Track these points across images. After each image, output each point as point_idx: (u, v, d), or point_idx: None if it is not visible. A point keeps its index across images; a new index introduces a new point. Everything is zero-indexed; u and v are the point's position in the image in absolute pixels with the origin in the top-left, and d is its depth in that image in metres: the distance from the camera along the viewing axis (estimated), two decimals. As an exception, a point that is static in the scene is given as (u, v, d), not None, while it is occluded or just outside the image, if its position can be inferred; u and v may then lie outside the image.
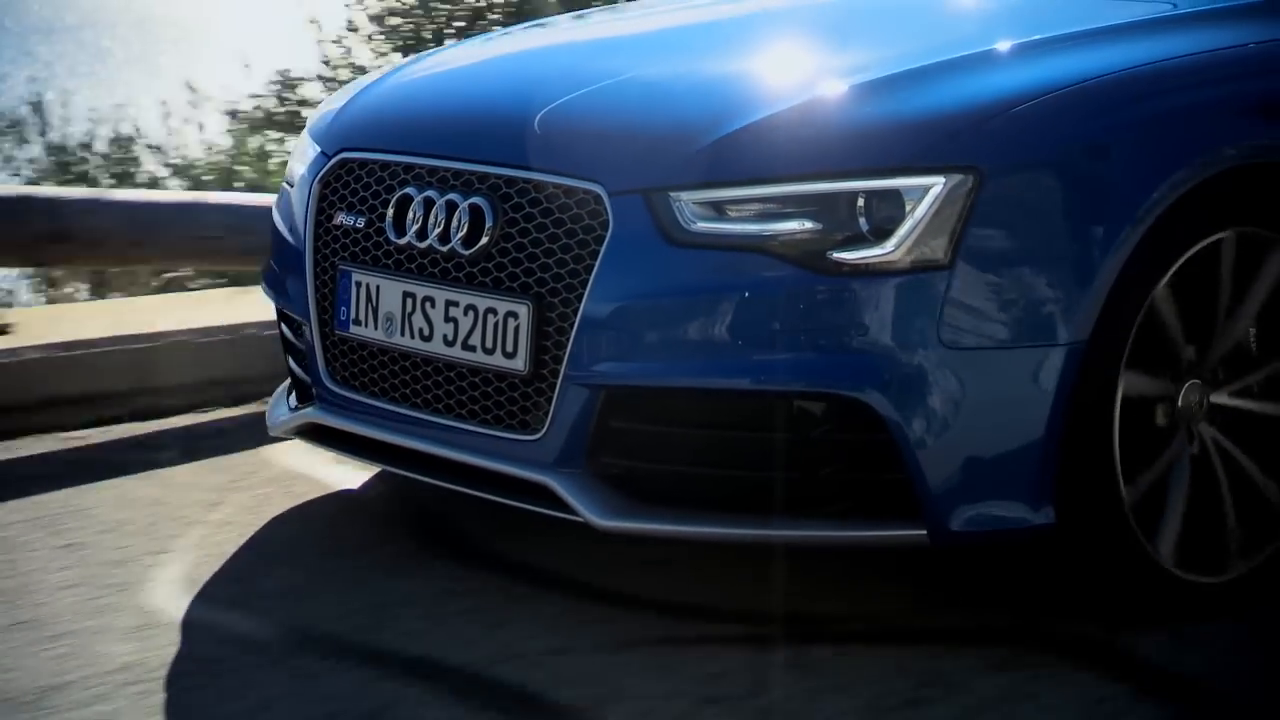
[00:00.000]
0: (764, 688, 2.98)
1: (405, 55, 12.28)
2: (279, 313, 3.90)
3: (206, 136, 12.82)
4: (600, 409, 3.13)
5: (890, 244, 2.99)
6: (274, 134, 12.79)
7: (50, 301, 8.27)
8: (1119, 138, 3.13)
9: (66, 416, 4.63)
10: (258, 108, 13.25)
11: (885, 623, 3.26)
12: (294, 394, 3.85)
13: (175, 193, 8.99)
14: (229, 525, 3.82)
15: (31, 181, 10.86)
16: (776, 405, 3.06)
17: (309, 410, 3.64)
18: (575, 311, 3.11)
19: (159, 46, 24.80)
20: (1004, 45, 3.33)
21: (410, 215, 3.37)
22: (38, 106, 12.60)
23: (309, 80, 13.58)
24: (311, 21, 13.95)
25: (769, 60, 3.60)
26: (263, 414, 3.96)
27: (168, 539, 3.73)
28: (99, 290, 8.38)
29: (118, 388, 4.82)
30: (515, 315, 3.19)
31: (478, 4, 14.02)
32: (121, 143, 12.17)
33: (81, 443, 4.51)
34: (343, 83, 11.09)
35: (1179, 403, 3.26)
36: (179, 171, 11.72)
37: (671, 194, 3.08)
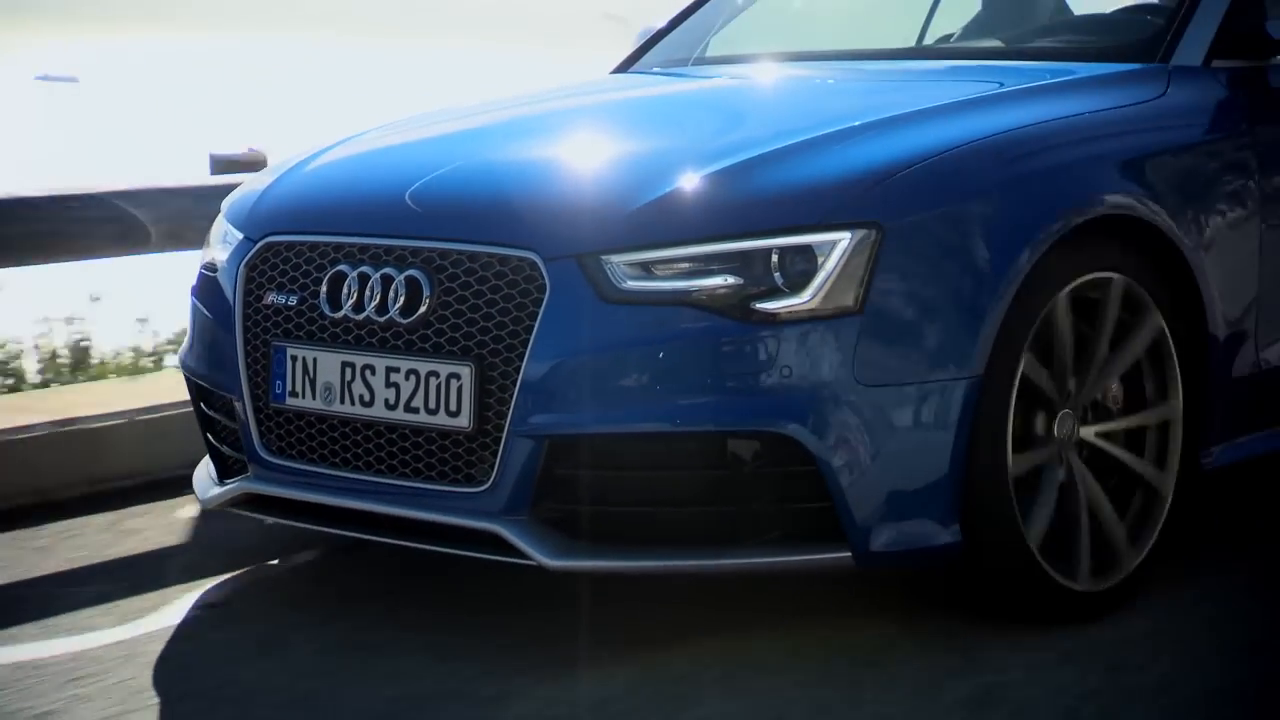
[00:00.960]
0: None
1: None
2: (198, 391, 4.07)
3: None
4: (545, 458, 3.38)
5: (807, 294, 3.31)
6: None
7: None
8: (999, 192, 3.51)
9: None
10: None
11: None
12: (215, 469, 4.03)
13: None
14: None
15: None
16: (710, 445, 3.35)
17: (243, 482, 3.82)
18: (517, 370, 3.37)
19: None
20: (883, 117, 3.71)
21: (345, 290, 3.59)
22: None
23: None
24: None
25: (676, 136, 3.95)
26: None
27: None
28: None
29: None
30: (458, 376, 3.43)
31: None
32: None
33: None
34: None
35: (1055, 432, 3.61)
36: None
37: (603, 257, 3.37)
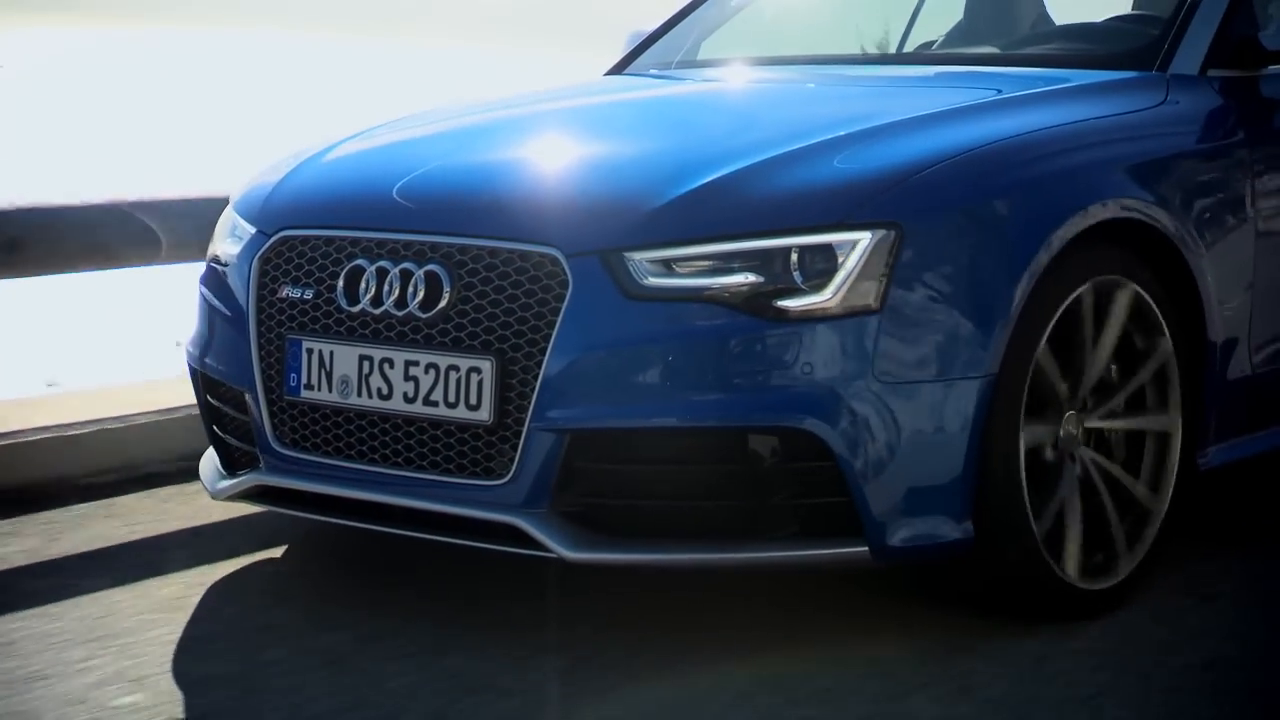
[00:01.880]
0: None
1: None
2: (204, 383, 4.08)
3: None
4: (565, 452, 3.41)
5: (828, 292, 3.36)
6: None
7: None
8: (1015, 194, 3.57)
9: None
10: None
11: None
12: (220, 460, 4.04)
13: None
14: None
15: None
16: (730, 440, 3.39)
17: (255, 473, 3.83)
18: (539, 364, 3.40)
19: None
20: (897, 119, 3.77)
21: (363, 285, 3.61)
22: None
23: None
24: None
25: (692, 136, 4.00)
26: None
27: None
28: None
29: None
30: (478, 370, 3.46)
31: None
32: None
33: None
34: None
35: (1061, 430, 3.68)
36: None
37: (626, 254, 3.41)
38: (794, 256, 3.39)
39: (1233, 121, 4.19)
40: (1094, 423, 3.75)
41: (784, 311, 3.36)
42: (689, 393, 3.37)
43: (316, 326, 3.68)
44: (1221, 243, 3.99)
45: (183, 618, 3.72)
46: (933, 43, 5.51)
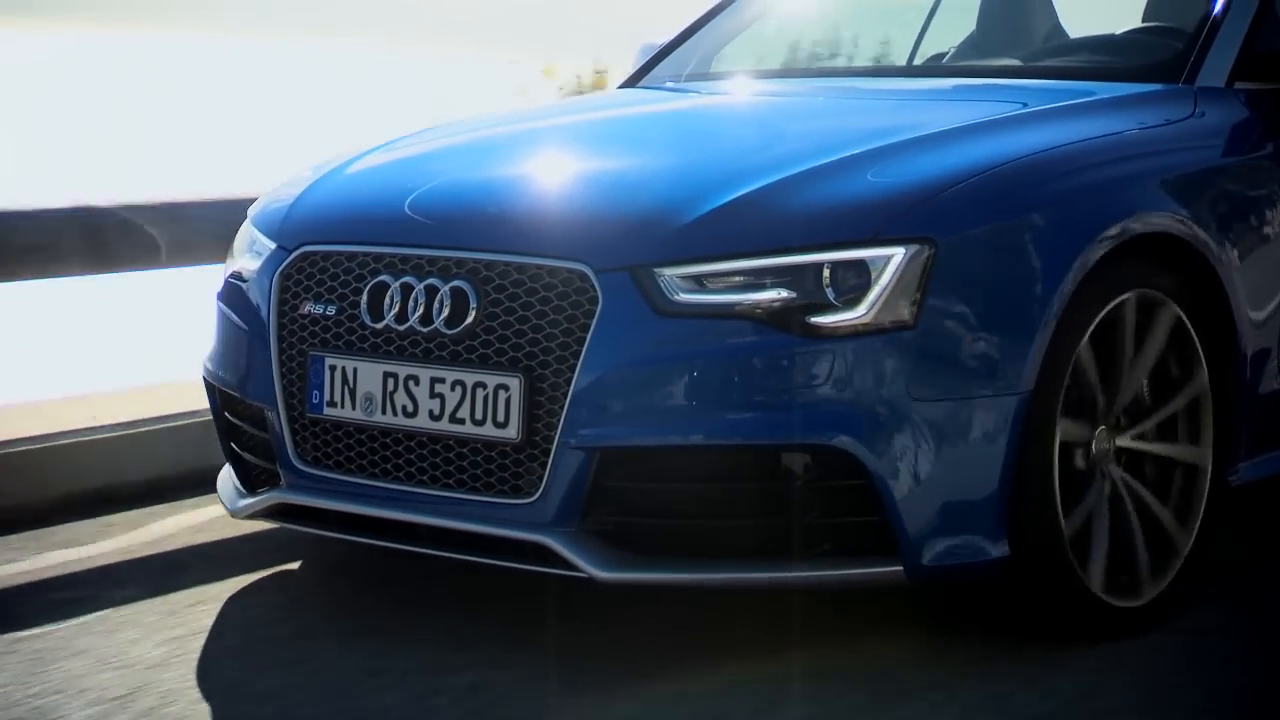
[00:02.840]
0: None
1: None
2: (222, 399, 4.03)
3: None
4: (595, 470, 3.37)
5: (862, 308, 3.32)
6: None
7: None
8: (1049, 208, 3.53)
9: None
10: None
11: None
12: (237, 477, 3.99)
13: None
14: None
15: None
16: (763, 458, 3.35)
17: (276, 491, 3.78)
18: (569, 381, 3.36)
19: None
20: (926, 133, 3.73)
21: (387, 301, 3.56)
22: None
23: None
24: None
25: (719, 150, 3.95)
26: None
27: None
28: None
29: None
30: (506, 388, 3.42)
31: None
32: None
33: None
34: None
35: (1094, 448, 3.63)
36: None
37: (656, 269, 3.36)
38: (827, 272, 3.34)
39: (1260, 134, 4.16)
40: (1125, 441, 3.71)
41: (817, 328, 3.31)
42: (720, 410, 3.32)
43: (339, 343, 3.63)
44: (1252, 255, 3.95)
45: (200, 633, 3.69)
46: (944, 54, 5.46)
